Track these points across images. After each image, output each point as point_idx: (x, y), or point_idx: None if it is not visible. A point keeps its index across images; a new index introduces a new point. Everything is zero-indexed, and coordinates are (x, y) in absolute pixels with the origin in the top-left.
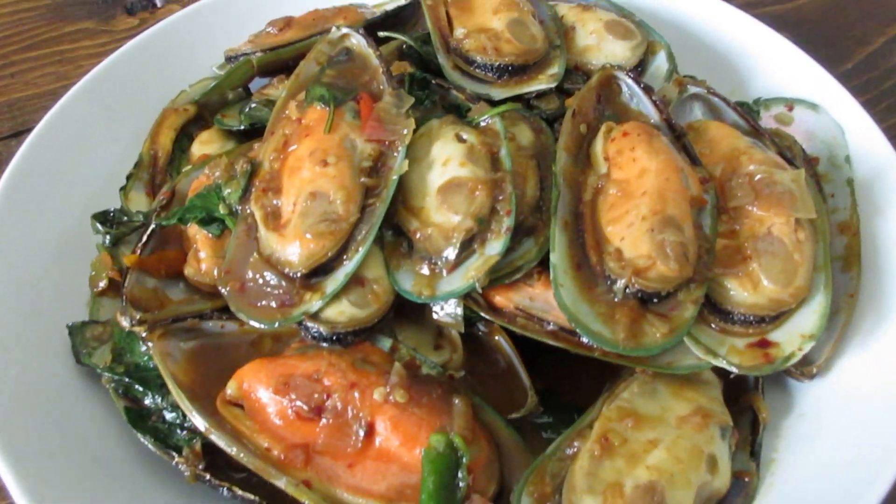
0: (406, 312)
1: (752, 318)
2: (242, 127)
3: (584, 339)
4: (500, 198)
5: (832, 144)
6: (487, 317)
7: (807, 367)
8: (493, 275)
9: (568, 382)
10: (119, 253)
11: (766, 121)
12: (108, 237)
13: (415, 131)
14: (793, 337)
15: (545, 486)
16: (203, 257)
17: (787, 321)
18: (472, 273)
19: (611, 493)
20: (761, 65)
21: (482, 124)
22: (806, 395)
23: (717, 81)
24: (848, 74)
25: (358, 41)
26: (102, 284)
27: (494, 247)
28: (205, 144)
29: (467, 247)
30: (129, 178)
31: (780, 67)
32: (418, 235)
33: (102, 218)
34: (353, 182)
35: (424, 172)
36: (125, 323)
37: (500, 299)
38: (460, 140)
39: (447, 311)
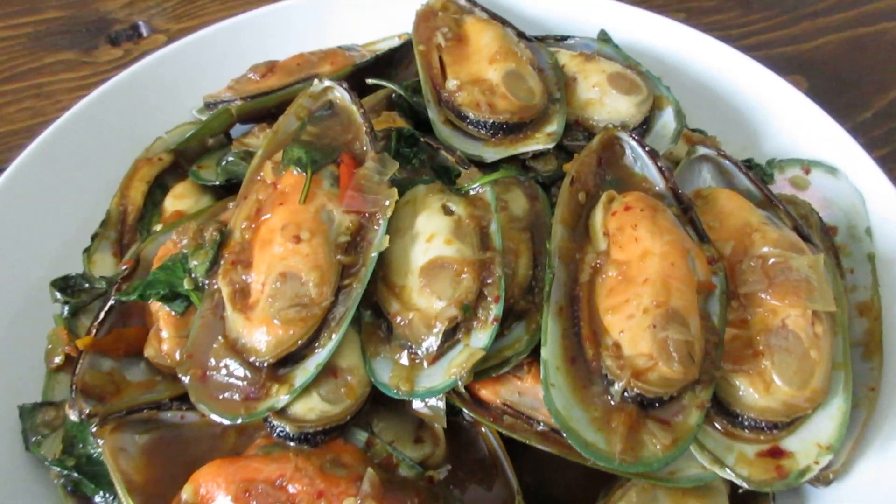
0: (384, 400)
1: (763, 423)
2: (218, 182)
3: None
4: (489, 281)
5: (851, 213)
6: (472, 415)
7: (823, 472)
8: (478, 367)
9: (559, 478)
10: (78, 325)
11: (781, 184)
12: (66, 307)
13: (400, 195)
14: (808, 447)
15: None
16: (165, 337)
17: (801, 427)
18: (454, 369)
19: None
20: (775, 119)
21: (472, 192)
22: (821, 500)
23: (728, 135)
24: (867, 125)
25: (341, 95)
26: (58, 360)
27: (480, 338)
28: (178, 199)
29: (451, 336)
30: (94, 237)
31: (795, 123)
32: (398, 319)
33: (63, 284)
34: (328, 261)
35: (407, 246)
36: (73, 417)
37: (485, 393)
38: (447, 212)
39: (428, 402)
